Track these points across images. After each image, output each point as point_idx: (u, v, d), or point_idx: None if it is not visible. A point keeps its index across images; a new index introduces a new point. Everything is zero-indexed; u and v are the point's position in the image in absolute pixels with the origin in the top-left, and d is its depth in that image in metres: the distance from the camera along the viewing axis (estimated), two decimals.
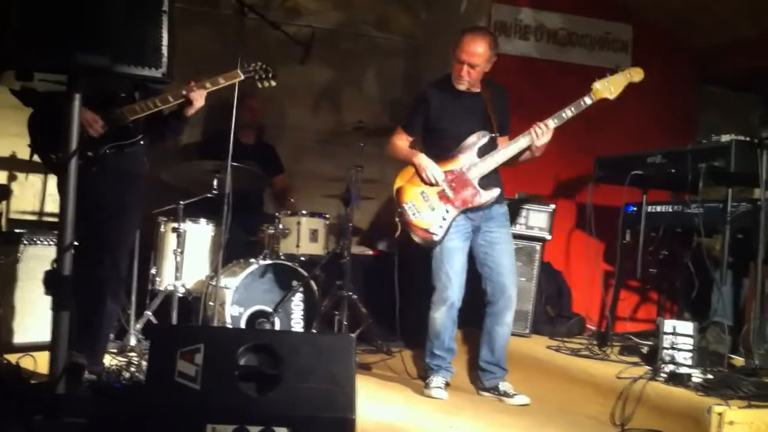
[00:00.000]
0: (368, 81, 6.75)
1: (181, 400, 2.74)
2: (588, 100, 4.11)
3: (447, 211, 4.14)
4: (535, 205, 5.23)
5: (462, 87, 4.22)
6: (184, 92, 3.67)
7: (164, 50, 2.59)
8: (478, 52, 4.12)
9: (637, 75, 4.21)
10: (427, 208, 4.14)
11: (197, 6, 5.79)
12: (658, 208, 4.81)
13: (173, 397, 2.74)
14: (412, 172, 4.23)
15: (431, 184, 4.16)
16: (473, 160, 4.18)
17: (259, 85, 4.17)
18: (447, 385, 4.29)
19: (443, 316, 4.22)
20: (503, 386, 4.25)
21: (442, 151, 4.23)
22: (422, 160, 4.18)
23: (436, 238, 4.13)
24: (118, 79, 2.65)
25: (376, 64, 6.74)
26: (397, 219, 4.20)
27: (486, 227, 4.23)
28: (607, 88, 4.14)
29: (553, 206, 5.23)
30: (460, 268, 4.20)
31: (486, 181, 4.18)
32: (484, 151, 4.19)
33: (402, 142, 4.36)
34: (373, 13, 6.68)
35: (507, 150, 4.16)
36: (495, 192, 4.16)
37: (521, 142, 4.14)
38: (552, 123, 4.10)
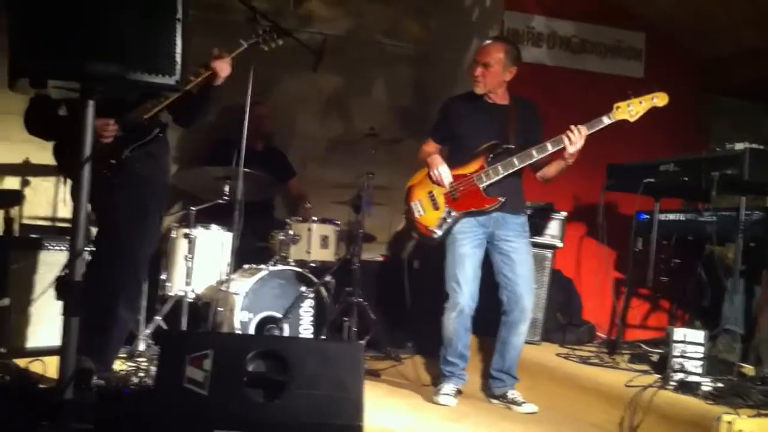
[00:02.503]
0: (378, 88, 6.74)
1: (189, 405, 2.75)
2: (606, 120, 4.07)
3: (449, 212, 4.24)
4: (547, 212, 5.23)
5: (479, 90, 4.29)
6: (204, 66, 3.69)
7: (178, 58, 2.61)
8: (491, 53, 4.24)
9: (661, 100, 4.11)
10: (431, 208, 4.29)
11: (210, 13, 5.82)
12: (671, 216, 4.80)
13: (181, 402, 2.76)
14: (425, 173, 4.36)
15: (439, 184, 4.27)
16: (483, 168, 4.22)
17: (265, 48, 4.20)
18: (459, 392, 4.28)
19: (454, 322, 4.24)
20: (512, 394, 4.25)
21: (457, 157, 4.33)
22: (435, 159, 4.32)
23: (435, 236, 4.26)
24: (131, 86, 2.66)
25: (387, 72, 6.74)
26: (404, 214, 4.42)
27: (504, 236, 4.25)
28: (628, 111, 4.07)
29: (564, 213, 5.22)
30: (472, 274, 4.22)
31: (498, 190, 4.21)
32: (495, 160, 4.21)
33: (429, 148, 4.48)
34: (384, 20, 6.68)
35: (520, 159, 4.16)
36: (499, 199, 4.19)
37: (547, 149, 4.10)
38: (585, 130, 4.04)
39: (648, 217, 4.86)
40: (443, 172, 4.25)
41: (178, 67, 2.62)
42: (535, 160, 4.14)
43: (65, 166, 3.56)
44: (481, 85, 4.28)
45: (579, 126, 4.01)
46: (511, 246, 4.24)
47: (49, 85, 2.63)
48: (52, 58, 2.48)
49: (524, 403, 4.18)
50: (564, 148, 4.04)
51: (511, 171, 4.17)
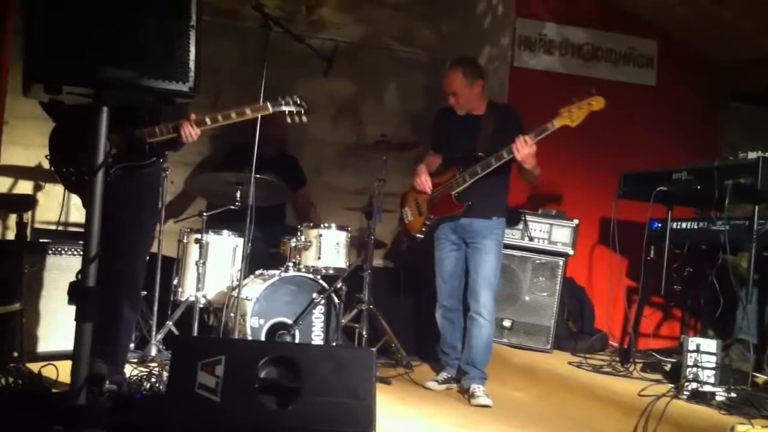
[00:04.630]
0: (390, 94, 6.76)
1: (201, 412, 2.76)
2: (550, 126, 4.20)
3: (430, 218, 4.68)
4: (559, 220, 5.22)
5: (460, 112, 4.63)
6: (178, 126, 3.63)
7: (192, 64, 2.62)
8: (452, 81, 4.56)
9: (597, 104, 4.18)
10: (417, 214, 4.78)
11: (222, 19, 5.84)
12: (683, 225, 4.77)
13: (193, 408, 2.76)
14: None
15: (422, 192, 4.70)
16: (455, 176, 4.52)
17: (289, 120, 4.14)
18: (451, 379, 4.71)
19: (439, 316, 4.76)
20: (472, 388, 4.43)
21: (442, 167, 4.74)
22: (419, 169, 4.77)
23: (417, 239, 4.78)
24: (145, 93, 2.67)
25: (398, 78, 6.75)
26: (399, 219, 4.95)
27: (470, 239, 4.58)
28: (569, 116, 4.17)
29: (576, 221, 5.21)
30: (448, 275, 4.68)
31: (467, 196, 4.48)
32: (465, 169, 4.47)
33: (428, 157, 4.90)
34: (395, 27, 6.70)
35: (482, 167, 4.39)
36: (465, 205, 4.47)
37: (503, 157, 4.31)
38: (530, 139, 4.20)
39: (660, 225, 4.83)
40: (424, 182, 4.67)
41: (192, 73, 2.63)
42: (494, 167, 4.37)
43: (57, 156, 3.56)
44: (459, 108, 4.62)
45: (525, 136, 4.19)
46: (475, 247, 4.56)
47: (64, 91, 2.64)
48: (67, 64, 2.49)
49: (479, 396, 4.35)
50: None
51: (476, 178, 4.42)
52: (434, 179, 4.67)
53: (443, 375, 4.72)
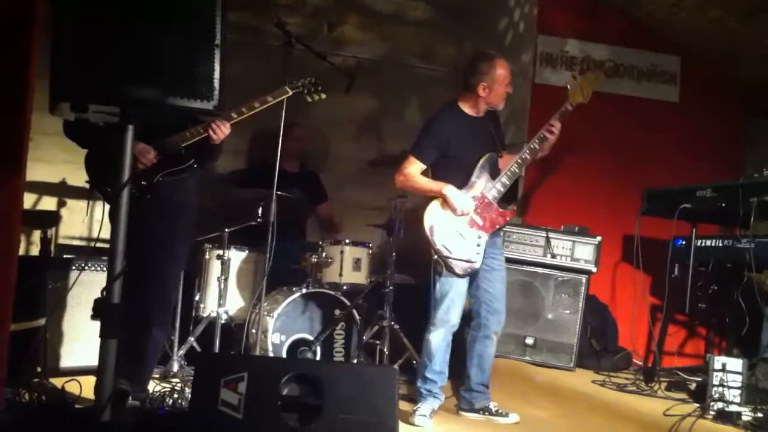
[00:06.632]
0: (412, 111, 6.76)
1: (223, 429, 2.75)
2: (569, 107, 4.24)
3: (479, 237, 4.16)
4: (581, 237, 5.19)
5: (501, 107, 4.35)
6: (207, 126, 3.66)
7: (216, 83, 2.63)
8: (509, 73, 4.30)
9: (597, 77, 4.30)
10: (460, 241, 4.13)
11: (245, 37, 5.88)
12: (708, 243, 4.73)
13: (216, 425, 2.76)
14: (438, 207, 4.17)
15: (461, 215, 4.13)
16: (489, 183, 4.21)
17: (309, 99, 4.26)
18: (433, 412, 4.18)
19: (440, 338, 4.19)
20: (494, 406, 4.27)
21: (454, 177, 4.20)
22: (451, 191, 4.12)
23: (476, 265, 4.15)
24: (170, 111, 2.68)
25: (420, 94, 6.75)
26: (435, 257, 4.12)
27: (490, 253, 4.24)
28: (581, 94, 4.21)
29: (599, 238, 5.18)
30: (464, 291, 4.22)
31: (503, 202, 4.24)
32: (493, 172, 4.24)
33: (418, 170, 4.25)
34: (417, 44, 6.71)
35: (516, 165, 4.21)
36: (514, 208, 4.27)
37: (536, 149, 4.21)
38: (558, 123, 4.21)
39: (685, 243, 4.80)
40: (467, 204, 4.13)
41: (216, 92, 2.65)
42: (529, 162, 4.28)
43: (96, 178, 3.60)
44: (502, 105, 4.34)
45: (555, 121, 4.20)
46: (492, 263, 4.26)
47: (90, 110, 2.66)
48: (94, 82, 2.51)
49: (509, 413, 4.21)
50: (544, 145, 4.22)
51: (515, 178, 4.26)
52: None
53: (428, 407, 4.15)
